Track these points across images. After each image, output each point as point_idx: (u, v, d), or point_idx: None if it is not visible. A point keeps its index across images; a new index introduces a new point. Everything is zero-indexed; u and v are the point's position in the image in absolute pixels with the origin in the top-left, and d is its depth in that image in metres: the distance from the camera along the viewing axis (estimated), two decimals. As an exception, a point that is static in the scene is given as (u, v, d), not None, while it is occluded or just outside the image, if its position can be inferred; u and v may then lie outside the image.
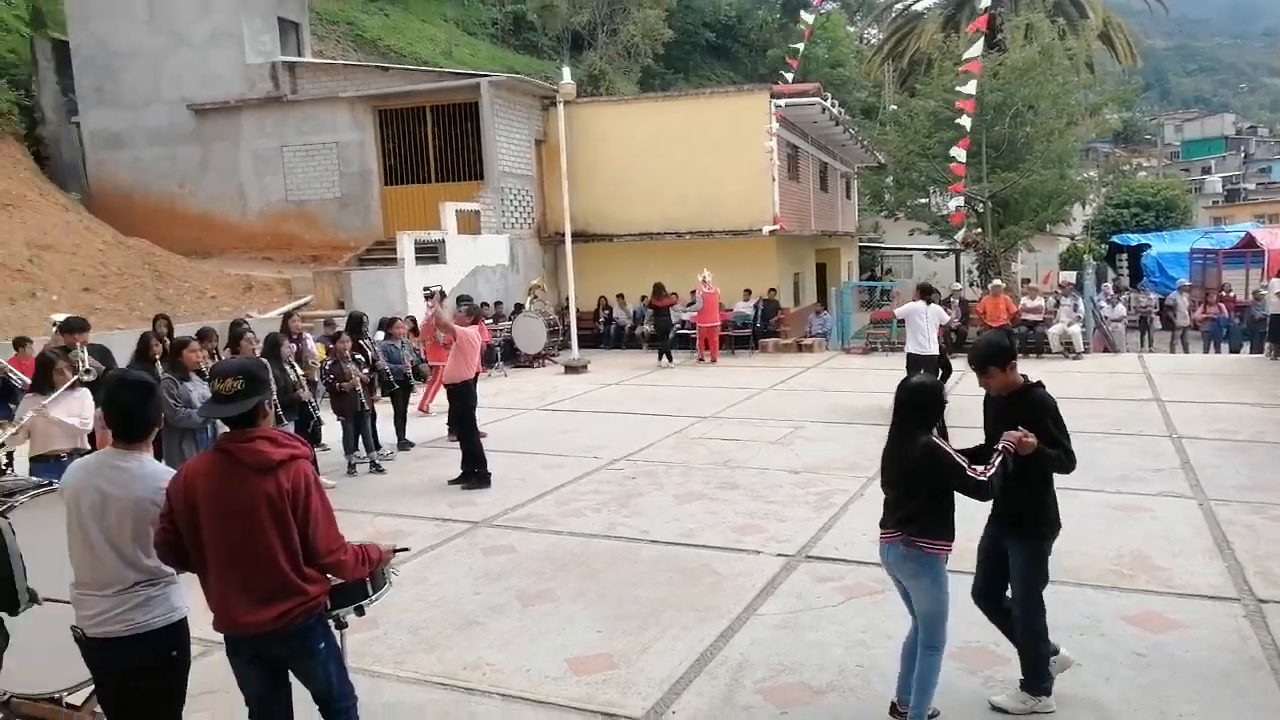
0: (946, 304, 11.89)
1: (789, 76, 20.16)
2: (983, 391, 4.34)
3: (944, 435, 3.94)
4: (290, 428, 8.18)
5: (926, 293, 11.46)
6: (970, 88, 20.11)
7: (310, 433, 9.40)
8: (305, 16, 21.64)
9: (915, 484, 3.86)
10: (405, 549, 3.96)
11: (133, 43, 19.73)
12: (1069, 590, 5.52)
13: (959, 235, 22.84)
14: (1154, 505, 7.29)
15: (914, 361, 11.11)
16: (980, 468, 3.84)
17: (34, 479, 4.53)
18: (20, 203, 15.05)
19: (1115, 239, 32.69)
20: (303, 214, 19.59)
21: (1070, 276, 19.33)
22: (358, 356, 9.52)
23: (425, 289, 9.36)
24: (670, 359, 17.13)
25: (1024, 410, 4.10)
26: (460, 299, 10.26)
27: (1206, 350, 18.55)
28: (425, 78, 19.74)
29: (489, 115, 18.39)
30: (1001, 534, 4.20)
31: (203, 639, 3.85)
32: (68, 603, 3.29)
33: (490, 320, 16.42)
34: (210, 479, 3.13)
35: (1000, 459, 3.87)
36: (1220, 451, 9.00)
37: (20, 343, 8.35)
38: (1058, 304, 17.20)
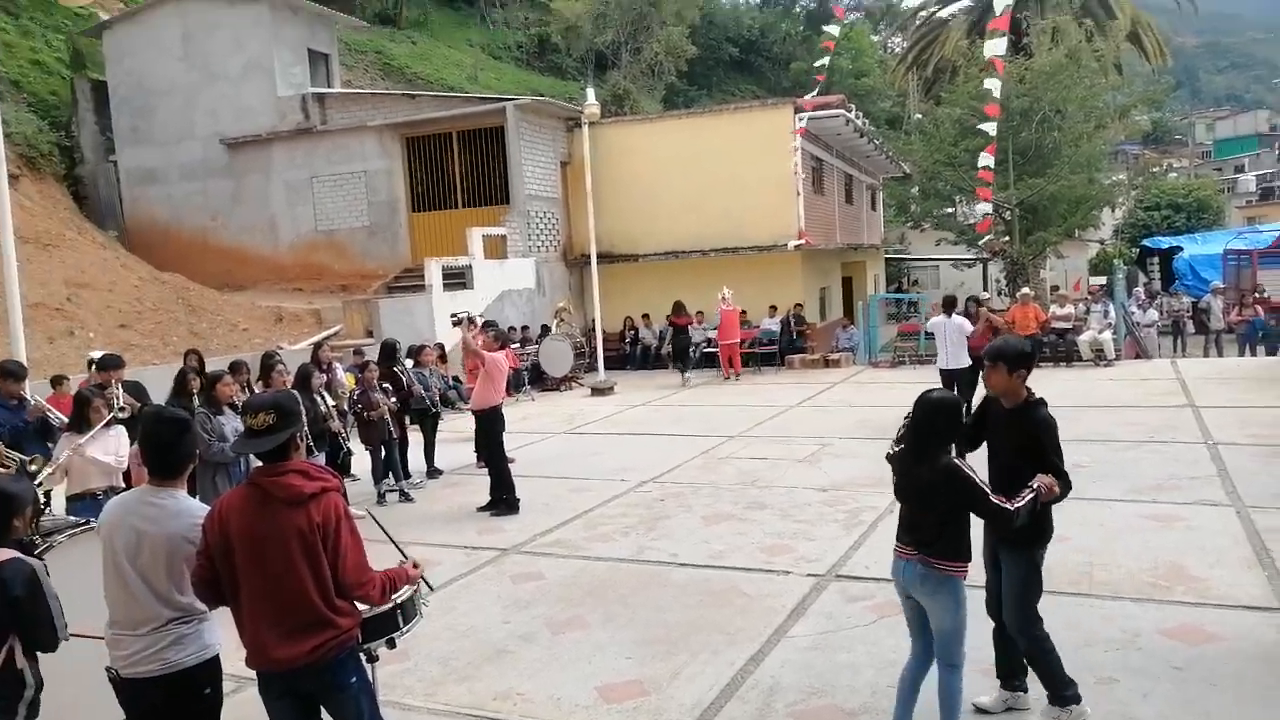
0: (967, 313, 11.69)
1: (811, 95, 20.17)
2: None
3: (961, 454, 3.91)
4: (321, 458, 8.30)
5: (948, 306, 11.42)
6: (994, 87, 19.98)
7: (340, 463, 9.53)
8: (334, 47, 22.05)
9: (933, 503, 3.82)
10: (430, 588, 3.99)
11: (168, 80, 20.22)
12: (1106, 604, 5.47)
13: (983, 242, 22.67)
14: (1190, 514, 7.18)
15: (944, 377, 11.04)
16: (1001, 497, 3.79)
17: (71, 518, 4.64)
18: (59, 242, 15.43)
19: (1146, 242, 32.24)
20: (332, 244, 19.89)
21: (1100, 282, 19.10)
22: (385, 385, 9.63)
23: (453, 315, 9.47)
24: (685, 376, 17.19)
25: (1027, 428, 4.08)
26: (485, 324, 10.37)
27: (1242, 353, 18.22)
28: (452, 103, 19.99)
29: (514, 139, 18.60)
30: (997, 543, 4.20)
31: (235, 675, 3.92)
32: (100, 638, 3.36)
33: (517, 344, 16.54)
34: (243, 513, 3.19)
35: (1033, 496, 3.83)
36: (1257, 457, 8.85)
37: (58, 381, 8.55)
38: (1088, 311, 17.01)
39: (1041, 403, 4.17)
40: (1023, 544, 4.09)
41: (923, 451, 3.81)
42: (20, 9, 21.58)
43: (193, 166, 20.43)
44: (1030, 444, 4.03)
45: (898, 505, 4.12)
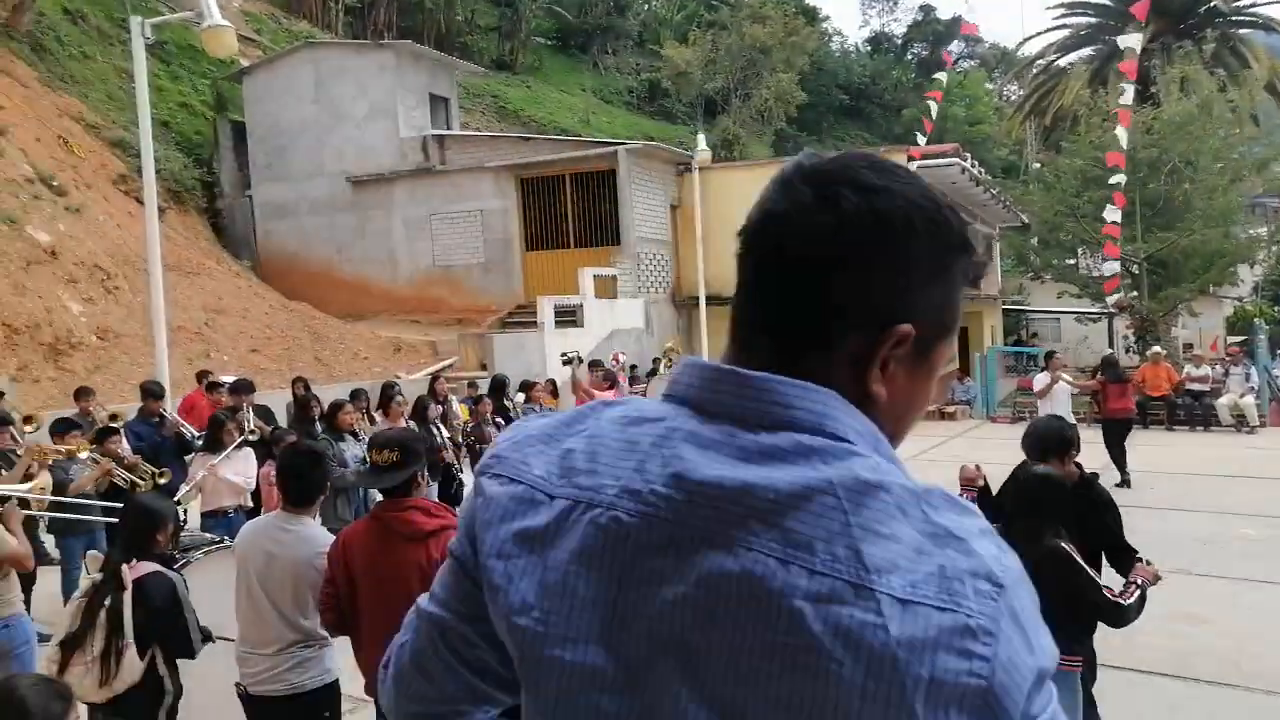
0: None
1: (922, 140, 19.83)
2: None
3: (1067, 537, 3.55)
4: (435, 488, 8.43)
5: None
6: (1121, 137, 19.21)
7: (453, 494, 9.67)
8: (454, 92, 22.92)
9: (1040, 591, 3.45)
10: None
11: (299, 121, 21.35)
12: (1255, 698, 5.03)
13: (1111, 299, 21.69)
14: (1354, 600, 6.57)
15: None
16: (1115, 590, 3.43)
17: (208, 535, 4.82)
18: (200, 270, 16.36)
19: (1289, 301, 30.34)
20: (448, 278, 20.48)
21: (1239, 341, 17.98)
22: (498, 419, 9.77)
23: (563, 355, 9.58)
24: None
25: (1084, 508, 3.74)
26: (592, 364, 10.43)
27: (1404, 424, 16.79)
28: (565, 147, 20.46)
29: (626, 182, 18.86)
30: None
31: (351, 696, 3.95)
32: (232, 640, 3.47)
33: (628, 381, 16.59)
34: (365, 546, 3.24)
35: (1140, 591, 3.43)
36: None
37: (212, 386, 9.07)
38: (1227, 373, 15.98)
39: (1095, 476, 3.89)
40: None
41: (1029, 533, 3.33)
42: (171, 56, 23.21)
43: (320, 202, 21.43)
44: (1090, 525, 3.66)
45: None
